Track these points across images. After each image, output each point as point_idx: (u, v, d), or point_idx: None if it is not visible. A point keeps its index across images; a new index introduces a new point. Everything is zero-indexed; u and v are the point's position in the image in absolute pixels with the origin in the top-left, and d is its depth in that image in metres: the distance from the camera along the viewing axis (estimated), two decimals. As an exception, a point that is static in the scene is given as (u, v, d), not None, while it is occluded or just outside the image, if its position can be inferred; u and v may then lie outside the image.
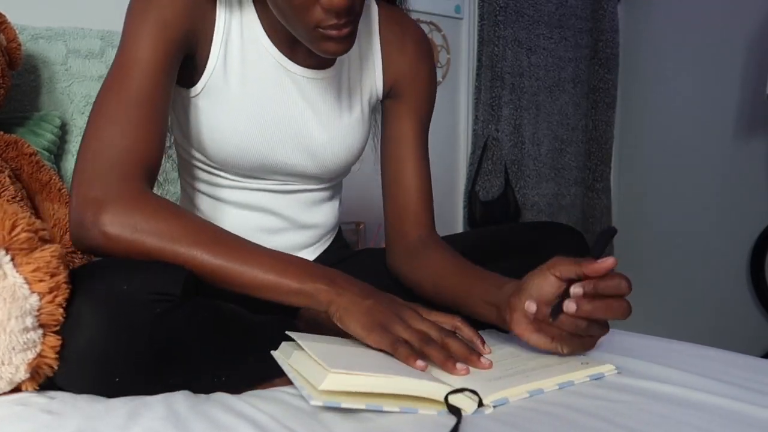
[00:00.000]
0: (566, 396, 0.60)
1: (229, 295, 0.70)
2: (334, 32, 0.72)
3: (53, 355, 0.55)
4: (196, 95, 0.84)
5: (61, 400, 0.57)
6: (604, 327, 0.68)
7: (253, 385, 0.66)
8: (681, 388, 0.62)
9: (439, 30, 2.16)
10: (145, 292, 0.58)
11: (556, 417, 0.54)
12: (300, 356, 0.61)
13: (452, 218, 2.26)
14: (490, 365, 0.64)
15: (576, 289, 0.64)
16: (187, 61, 0.81)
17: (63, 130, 1.25)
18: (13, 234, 0.53)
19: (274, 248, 0.94)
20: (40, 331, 0.54)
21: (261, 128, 0.86)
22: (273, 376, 0.66)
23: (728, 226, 2.16)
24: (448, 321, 0.70)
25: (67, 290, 0.56)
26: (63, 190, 1.11)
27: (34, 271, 0.53)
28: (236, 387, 0.63)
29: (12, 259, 0.53)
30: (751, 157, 2.09)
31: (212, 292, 0.67)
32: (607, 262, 0.63)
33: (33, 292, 0.53)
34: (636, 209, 2.49)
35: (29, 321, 0.53)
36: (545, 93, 2.33)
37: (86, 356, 0.56)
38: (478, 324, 0.81)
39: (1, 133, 1.10)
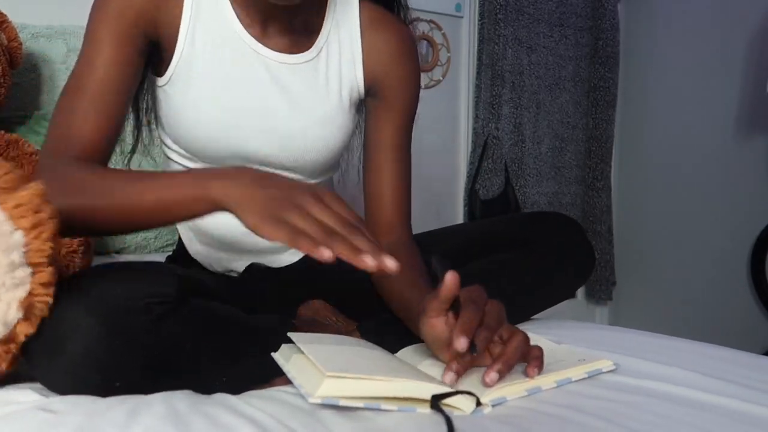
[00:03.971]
0: (565, 395, 0.60)
1: (225, 297, 0.70)
2: None
3: (44, 291, 0.55)
4: (165, 83, 0.84)
5: (61, 398, 0.57)
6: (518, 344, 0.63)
7: (253, 386, 0.66)
8: (681, 386, 0.62)
9: (439, 28, 2.16)
10: (141, 297, 0.59)
11: (556, 417, 0.54)
12: (299, 359, 0.61)
13: (452, 217, 2.26)
14: (397, 267, 0.54)
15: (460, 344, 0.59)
16: (154, 49, 0.82)
17: (63, 128, 1.25)
18: None
19: (260, 248, 0.93)
20: (29, 269, 0.54)
21: (231, 117, 0.84)
22: (272, 375, 0.66)
23: (728, 224, 2.16)
24: (353, 218, 0.59)
25: (52, 226, 0.56)
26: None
27: (15, 207, 0.54)
28: (236, 388, 0.64)
29: None
30: (752, 155, 2.09)
31: (209, 295, 0.67)
32: (449, 280, 0.60)
33: (17, 228, 0.53)
34: (636, 208, 2.49)
35: (16, 256, 0.53)
36: (545, 91, 2.33)
37: (85, 364, 0.56)
38: None
39: (2, 132, 1.10)
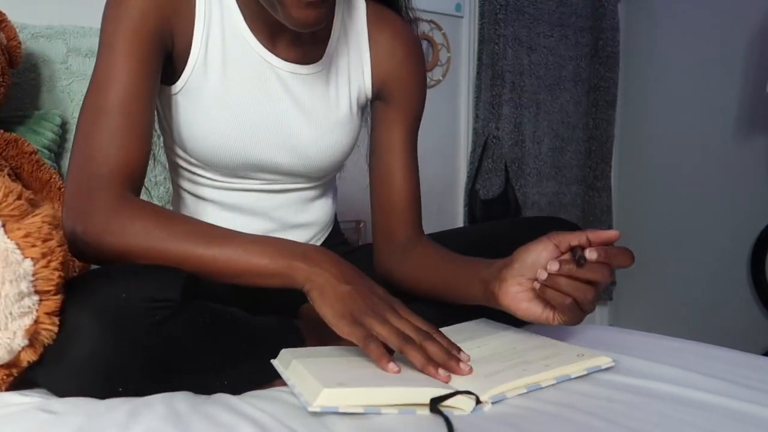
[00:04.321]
0: (565, 395, 0.60)
1: (227, 297, 0.70)
2: None
3: (49, 321, 0.55)
4: (177, 92, 0.83)
5: (61, 399, 0.57)
6: (595, 298, 0.65)
7: (254, 387, 0.66)
8: (681, 386, 0.62)
9: (439, 28, 2.16)
10: (144, 300, 0.58)
11: (555, 416, 0.54)
12: (297, 367, 0.61)
13: (453, 217, 2.25)
14: (470, 371, 0.61)
15: (591, 254, 0.63)
16: (166, 58, 0.80)
17: (63, 128, 1.25)
18: (3, 201, 0.54)
19: None
20: (35, 298, 0.54)
21: (243, 126, 0.84)
22: (273, 376, 0.66)
23: (729, 224, 2.16)
24: (424, 325, 0.66)
25: (62, 254, 0.56)
26: (63, 189, 1.11)
27: (25, 236, 0.53)
28: (238, 389, 0.64)
29: (3, 225, 0.53)
30: (752, 155, 2.09)
31: (211, 295, 0.67)
32: (611, 233, 0.64)
33: (26, 257, 0.53)
34: (636, 208, 2.49)
35: (24, 286, 0.53)
36: (546, 91, 2.33)
37: (88, 368, 0.56)
38: (470, 315, 0.81)
39: (2, 131, 1.10)
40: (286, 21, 0.74)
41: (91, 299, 0.57)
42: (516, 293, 0.68)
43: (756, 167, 2.08)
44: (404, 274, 0.86)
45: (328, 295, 0.65)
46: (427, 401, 0.55)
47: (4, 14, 1.15)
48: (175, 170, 0.93)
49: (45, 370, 0.58)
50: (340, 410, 0.53)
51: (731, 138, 2.15)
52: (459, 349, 0.65)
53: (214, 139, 0.83)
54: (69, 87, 1.29)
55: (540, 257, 0.66)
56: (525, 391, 0.59)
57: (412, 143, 0.94)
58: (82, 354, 0.55)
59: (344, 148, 0.92)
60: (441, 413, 0.53)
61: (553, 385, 0.61)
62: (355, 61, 0.91)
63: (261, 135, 0.85)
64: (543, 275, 0.65)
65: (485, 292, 0.71)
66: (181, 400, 0.57)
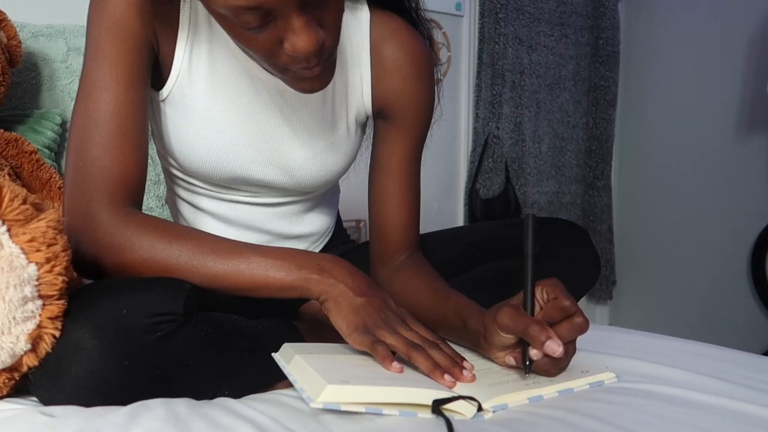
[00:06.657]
0: (565, 399, 0.60)
1: (226, 299, 0.69)
2: (306, 73, 0.67)
3: (52, 325, 0.55)
4: (163, 100, 0.79)
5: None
6: (569, 357, 0.65)
7: (254, 392, 0.65)
8: (680, 387, 0.62)
9: (439, 27, 2.15)
10: (146, 315, 0.57)
11: (556, 420, 0.54)
12: (300, 362, 0.61)
13: (453, 216, 2.26)
14: (473, 378, 0.62)
15: (534, 352, 0.61)
16: (153, 62, 0.76)
17: (63, 127, 1.25)
18: (9, 205, 0.53)
19: None
20: (39, 302, 0.54)
21: (230, 142, 0.80)
22: (273, 381, 0.66)
23: (729, 223, 2.16)
24: (431, 336, 0.67)
25: (66, 258, 0.56)
26: (63, 188, 1.11)
27: (30, 241, 0.53)
28: (238, 396, 0.63)
29: (8, 230, 0.53)
30: (752, 154, 2.09)
31: (210, 299, 0.66)
32: (550, 349, 0.60)
33: (30, 262, 0.53)
34: (636, 207, 2.49)
35: (28, 290, 0.53)
36: (546, 90, 2.33)
37: (89, 387, 0.55)
38: None
39: (2, 130, 1.10)
40: (291, 88, 0.72)
41: (91, 315, 0.56)
42: (497, 355, 0.69)
43: (756, 167, 2.08)
44: (397, 295, 0.84)
45: (342, 307, 0.65)
46: (430, 402, 0.55)
47: (5, 13, 1.15)
48: (169, 176, 0.91)
49: (43, 388, 0.57)
50: (342, 408, 0.53)
51: (731, 138, 2.15)
52: (463, 359, 0.66)
53: (200, 152, 0.80)
54: (69, 86, 1.29)
55: (502, 341, 0.66)
56: (527, 401, 0.59)
57: (414, 164, 0.88)
58: (82, 373, 0.55)
59: (339, 168, 0.88)
60: (442, 414, 0.53)
61: (555, 396, 0.61)
62: (355, 77, 0.85)
63: (249, 152, 0.81)
64: (511, 361, 0.67)
65: (469, 342, 0.73)
66: (180, 403, 0.57)
